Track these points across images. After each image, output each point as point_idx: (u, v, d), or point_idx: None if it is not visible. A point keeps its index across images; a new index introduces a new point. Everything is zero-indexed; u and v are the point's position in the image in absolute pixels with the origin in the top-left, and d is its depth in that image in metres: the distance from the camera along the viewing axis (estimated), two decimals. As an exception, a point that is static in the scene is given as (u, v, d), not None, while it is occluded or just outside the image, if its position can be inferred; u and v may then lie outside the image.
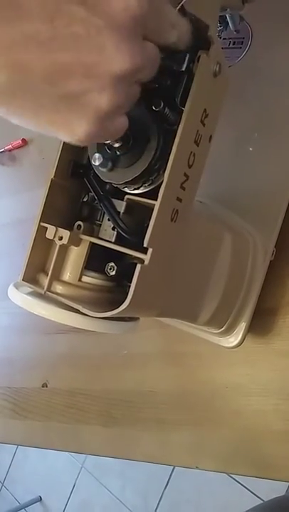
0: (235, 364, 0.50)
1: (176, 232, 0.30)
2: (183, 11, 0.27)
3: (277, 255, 0.46)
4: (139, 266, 0.27)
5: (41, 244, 0.32)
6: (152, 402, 0.55)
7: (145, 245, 0.27)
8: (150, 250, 0.27)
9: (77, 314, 0.29)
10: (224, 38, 0.48)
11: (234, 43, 0.47)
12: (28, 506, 1.60)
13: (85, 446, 0.61)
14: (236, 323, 0.44)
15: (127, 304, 0.27)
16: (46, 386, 0.65)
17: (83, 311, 0.29)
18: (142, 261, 0.28)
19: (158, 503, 1.42)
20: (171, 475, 1.37)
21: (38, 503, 1.61)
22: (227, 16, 0.41)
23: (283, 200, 0.44)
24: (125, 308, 0.27)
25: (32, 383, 0.67)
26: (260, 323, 0.48)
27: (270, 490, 1.14)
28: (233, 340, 0.44)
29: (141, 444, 0.56)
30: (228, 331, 0.44)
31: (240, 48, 0.47)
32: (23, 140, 0.74)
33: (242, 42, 0.47)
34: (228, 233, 0.40)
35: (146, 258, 0.27)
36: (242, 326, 0.44)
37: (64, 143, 0.32)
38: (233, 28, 0.43)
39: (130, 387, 0.57)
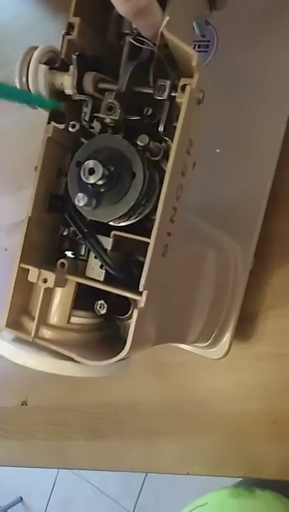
0: (219, 370, 0.50)
1: (166, 265, 0.29)
2: (162, 40, 0.25)
3: (255, 262, 0.46)
4: (136, 312, 0.26)
5: (23, 286, 0.30)
6: (138, 413, 0.55)
7: (141, 289, 0.26)
8: (145, 292, 0.26)
9: (72, 363, 0.27)
10: (188, 41, 0.46)
11: (199, 47, 0.46)
12: (9, 508, 1.58)
13: (71, 461, 0.60)
14: (222, 334, 0.44)
15: (126, 351, 0.26)
16: (26, 404, 0.63)
17: (77, 359, 0.27)
18: (135, 302, 0.27)
19: (140, 490, 1.45)
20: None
21: (19, 504, 1.60)
22: (194, 22, 0.39)
23: (260, 207, 0.44)
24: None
25: (10, 402, 0.65)
26: (242, 329, 0.48)
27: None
28: (219, 351, 0.44)
29: (129, 455, 0.56)
30: (214, 343, 0.44)
31: (206, 51, 0.45)
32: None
33: (207, 45, 0.45)
34: (211, 249, 0.39)
35: (142, 301, 0.26)
36: (227, 337, 0.44)
37: (40, 173, 0.30)
38: (199, 33, 0.42)
39: (115, 399, 0.56)
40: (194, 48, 0.46)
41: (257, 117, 0.46)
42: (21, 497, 1.61)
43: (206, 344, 0.43)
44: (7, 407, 0.65)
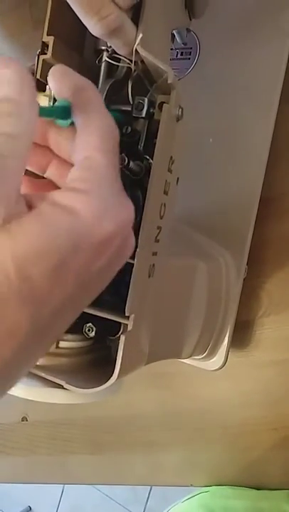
0: (217, 379, 0.49)
1: (154, 285, 0.28)
2: (138, 56, 0.25)
3: (248, 269, 0.45)
4: (123, 337, 0.25)
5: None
6: (139, 425, 0.54)
7: (127, 314, 0.25)
8: (132, 316, 0.26)
9: (61, 391, 0.27)
10: (171, 49, 0.45)
11: (182, 54, 0.45)
12: (18, 518, 1.58)
13: (74, 476, 0.60)
14: (218, 345, 0.43)
15: (115, 378, 0.25)
16: (26, 420, 0.63)
17: (67, 387, 0.27)
18: (124, 325, 0.26)
19: (148, 493, 1.44)
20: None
21: (28, 514, 1.59)
22: (174, 31, 0.39)
23: (251, 213, 0.43)
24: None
25: (10, 418, 0.64)
26: (239, 337, 0.47)
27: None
28: (216, 363, 0.43)
29: (132, 468, 0.55)
30: (211, 354, 0.43)
31: (189, 58, 0.45)
32: None
33: (190, 52, 0.45)
34: (201, 261, 0.38)
35: (129, 325, 0.26)
36: (224, 347, 0.43)
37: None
38: (180, 41, 0.41)
39: (115, 411, 0.56)
40: (177, 56, 0.45)
41: (244, 121, 0.45)
42: (30, 506, 1.60)
43: (202, 356, 0.43)
44: (7, 424, 0.64)
